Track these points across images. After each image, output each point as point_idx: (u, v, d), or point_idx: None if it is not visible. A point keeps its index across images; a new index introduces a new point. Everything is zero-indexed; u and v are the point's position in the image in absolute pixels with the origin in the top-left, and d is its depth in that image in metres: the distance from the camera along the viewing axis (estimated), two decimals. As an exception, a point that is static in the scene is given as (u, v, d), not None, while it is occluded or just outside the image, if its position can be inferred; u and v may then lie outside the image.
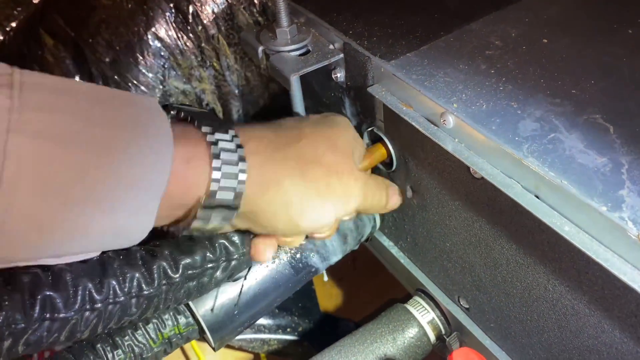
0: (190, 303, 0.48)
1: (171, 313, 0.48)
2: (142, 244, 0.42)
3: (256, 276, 0.52)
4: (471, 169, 0.40)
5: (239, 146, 0.38)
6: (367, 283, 0.81)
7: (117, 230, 0.33)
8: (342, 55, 0.50)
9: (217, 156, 0.36)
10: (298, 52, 0.51)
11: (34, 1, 0.85)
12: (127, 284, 0.38)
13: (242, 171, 0.38)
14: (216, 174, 0.36)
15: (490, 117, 0.39)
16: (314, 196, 0.42)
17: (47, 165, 0.29)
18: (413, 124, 0.43)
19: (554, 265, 0.37)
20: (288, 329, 0.81)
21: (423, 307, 0.57)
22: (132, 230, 0.34)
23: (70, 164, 0.30)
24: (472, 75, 0.43)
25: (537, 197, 0.36)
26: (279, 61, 0.50)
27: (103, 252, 0.39)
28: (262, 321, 0.80)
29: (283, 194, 0.41)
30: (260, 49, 0.51)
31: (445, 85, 0.43)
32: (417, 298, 0.58)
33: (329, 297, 0.81)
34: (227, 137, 0.38)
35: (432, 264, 0.54)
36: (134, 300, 0.39)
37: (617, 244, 0.32)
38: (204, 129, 0.37)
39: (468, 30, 0.48)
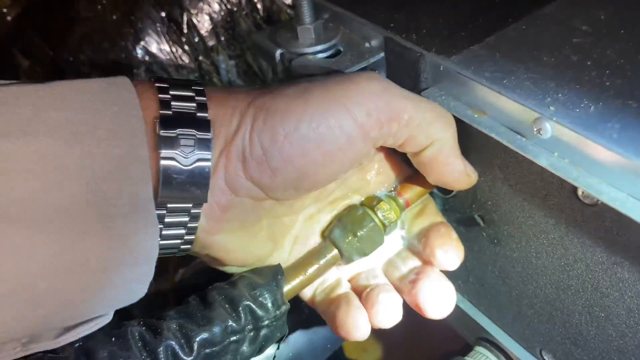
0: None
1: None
2: (143, 316, 0.32)
3: (288, 337, 0.41)
4: (580, 192, 0.30)
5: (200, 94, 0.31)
6: (412, 331, 0.69)
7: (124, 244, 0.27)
8: (382, 54, 0.40)
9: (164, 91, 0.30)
10: (326, 54, 0.40)
11: (7, 18, 0.75)
12: (122, 378, 0.28)
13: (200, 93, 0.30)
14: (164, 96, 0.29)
15: (604, 121, 0.29)
16: (329, 97, 0.32)
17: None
18: (492, 135, 0.33)
19: None
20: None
21: (489, 360, 0.46)
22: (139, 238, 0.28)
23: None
24: (563, 70, 0.33)
25: (691, 229, 0.26)
26: (304, 66, 0.40)
27: (89, 338, 0.28)
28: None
29: (281, 99, 0.31)
30: (279, 52, 0.41)
31: (532, 83, 0.32)
32: (480, 349, 0.47)
33: (362, 352, 0.69)
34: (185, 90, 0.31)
35: (504, 310, 0.43)
36: (132, 399, 0.28)
37: None
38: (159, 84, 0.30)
39: (542, 15, 0.38)
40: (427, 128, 0.33)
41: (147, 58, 0.68)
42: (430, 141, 0.34)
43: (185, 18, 0.67)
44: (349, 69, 0.39)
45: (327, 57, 0.40)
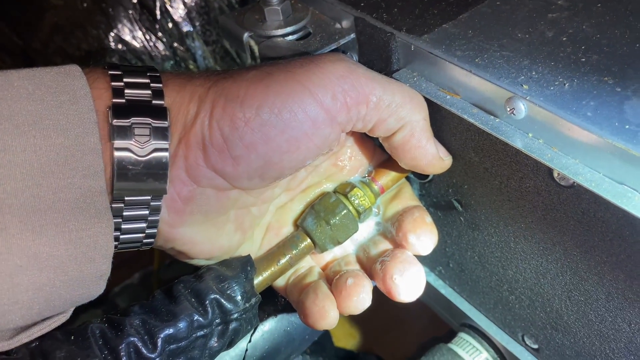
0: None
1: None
2: (104, 313, 0.31)
3: (263, 330, 0.40)
4: (555, 174, 0.29)
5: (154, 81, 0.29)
6: (398, 318, 0.68)
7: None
8: (353, 35, 0.38)
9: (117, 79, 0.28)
10: (295, 36, 0.39)
11: (-26, 9, 0.72)
12: (80, 379, 0.26)
13: (155, 79, 0.29)
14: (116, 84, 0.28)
15: (579, 99, 0.28)
16: (292, 80, 0.30)
17: None
18: (464, 117, 0.32)
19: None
20: (300, 371, 0.69)
21: (472, 346, 0.45)
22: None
23: None
24: (538, 46, 0.32)
25: (669, 209, 0.25)
26: (272, 49, 0.38)
27: (46, 337, 0.27)
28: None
29: (242, 80, 0.30)
30: (246, 35, 0.39)
31: (505, 61, 0.31)
32: (463, 335, 0.46)
33: (350, 337, 0.69)
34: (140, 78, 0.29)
35: (485, 295, 0.42)
36: (92, 401, 0.27)
37: None
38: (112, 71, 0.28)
39: (517, -10, 0.37)
40: (397, 110, 0.32)
41: (120, 46, 0.67)
42: (400, 124, 0.32)
43: (158, 4, 0.65)
44: (319, 51, 0.37)
45: (296, 40, 0.39)
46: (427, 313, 0.53)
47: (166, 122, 0.27)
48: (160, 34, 0.66)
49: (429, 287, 0.48)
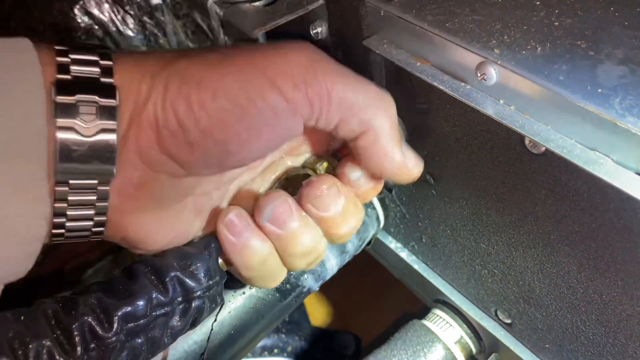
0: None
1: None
2: (57, 291, 0.29)
3: (230, 307, 0.39)
4: (527, 141, 0.28)
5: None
6: (374, 296, 0.67)
7: None
8: (322, 1, 0.37)
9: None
10: (262, 2, 0.37)
11: None
12: (30, 360, 0.25)
13: (105, 57, 0.27)
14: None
15: (551, 63, 0.27)
16: (251, 66, 0.28)
17: None
18: (434, 84, 0.30)
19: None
20: (275, 350, 0.69)
21: (446, 322, 0.45)
22: None
23: None
24: (510, 10, 0.31)
25: (640, 175, 0.24)
26: (237, 15, 0.37)
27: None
28: (245, 344, 0.68)
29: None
30: (211, 1, 0.38)
31: (477, 25, 0.30)
32: (436, 311, 0.46)
33: (326, 316, 0.68)
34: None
35: (457, 270, 0.42)
36: (43, 383, 0.25)
37: None
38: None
39: (490, -46, 0.35)
40: (360, 113, 0.29)
41: (86, 19, 0.64)
42: (363, 128, 0.30)
43: (124, -26, 0.62)
44: (286, 18, 0.36)
45: (263, 5, 0.37)
46: (402, 291, 0.53)
47: (114, 101, 0.26)
48: (128, 7, 0.64)
49: (402, 263, 0.47)
